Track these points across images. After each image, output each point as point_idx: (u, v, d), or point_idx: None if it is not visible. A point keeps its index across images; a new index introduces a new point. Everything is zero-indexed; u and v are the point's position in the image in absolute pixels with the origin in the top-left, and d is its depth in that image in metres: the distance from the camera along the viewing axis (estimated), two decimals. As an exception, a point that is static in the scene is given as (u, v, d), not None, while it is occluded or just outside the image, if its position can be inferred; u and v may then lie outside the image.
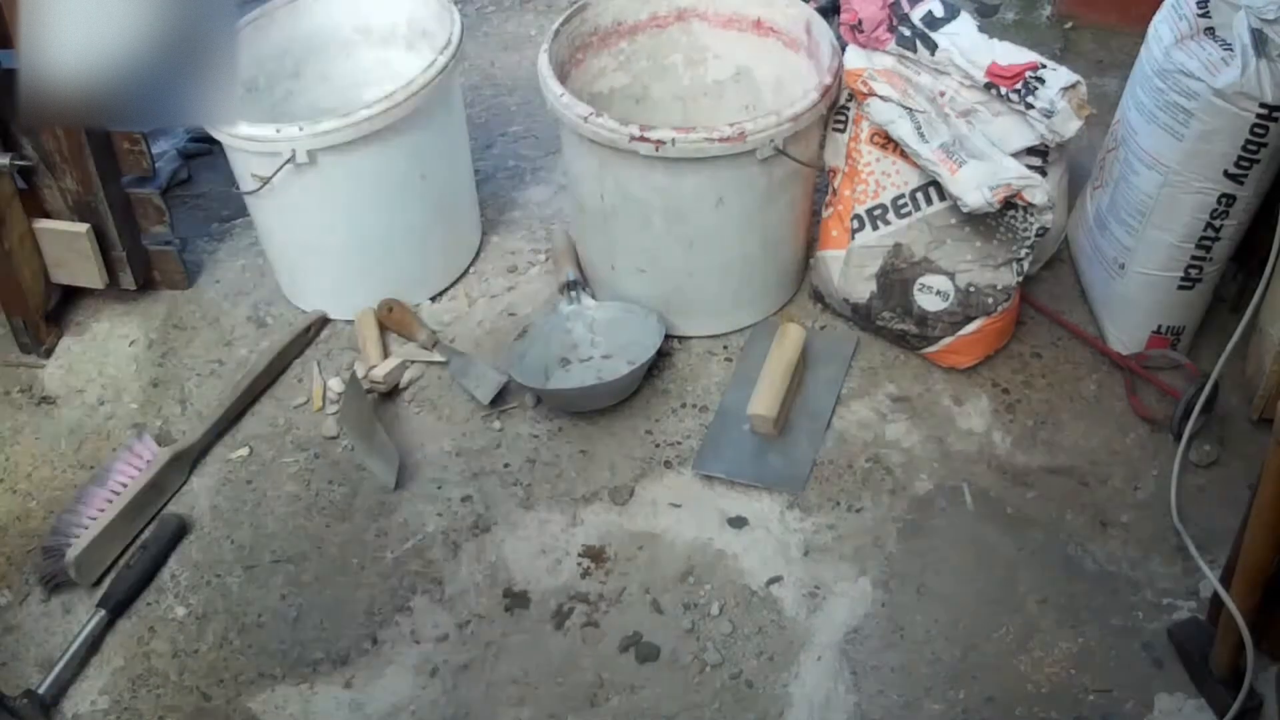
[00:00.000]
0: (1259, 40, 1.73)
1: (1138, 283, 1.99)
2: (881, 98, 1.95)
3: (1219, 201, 1.85)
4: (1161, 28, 1.86)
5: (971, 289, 1.94)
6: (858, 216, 2.02)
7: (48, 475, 2.07)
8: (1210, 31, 1.80)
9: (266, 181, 2.01)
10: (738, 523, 1.89)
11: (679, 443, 2.01)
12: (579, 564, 1.86)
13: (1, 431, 2.15)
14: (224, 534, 1.95)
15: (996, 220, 1.92)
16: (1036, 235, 1.90)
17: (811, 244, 2.28)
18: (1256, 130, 1.75)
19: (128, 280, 2.28)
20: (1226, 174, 1.81)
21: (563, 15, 2.13)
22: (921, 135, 1.92)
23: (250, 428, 2.10)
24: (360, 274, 2.20)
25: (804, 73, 2.14)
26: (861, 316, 2.09)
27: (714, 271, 2.08)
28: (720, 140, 1.86)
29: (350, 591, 1.86)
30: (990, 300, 1.93)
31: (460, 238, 2.33)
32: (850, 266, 2.01)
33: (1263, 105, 1.72)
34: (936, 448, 1.98)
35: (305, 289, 2.27)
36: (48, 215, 2.22)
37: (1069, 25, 2.88)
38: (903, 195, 2.00)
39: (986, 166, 1.87)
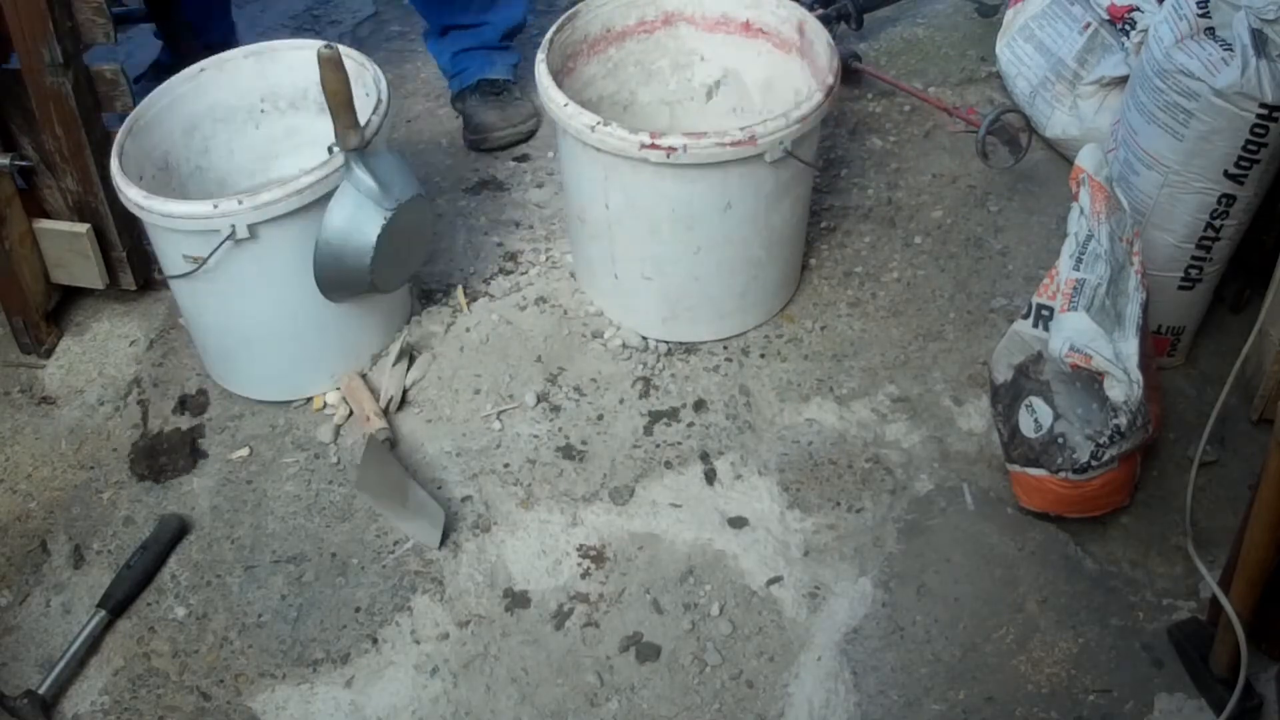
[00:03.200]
0: (1259, 40, 1.73)
1: (1138, 283, 1.98)
2: (1080, 207, 1.81)
3: (1219, 202, 1.85)
4: (1161, 28, 1.86)
5: (1060, 439, 1.81)
6: (1030, 304, 1.88)
7: (48, 475, 2.07)
8: (1210, 31, 1.80)
9: (203, 263, 1.88)
10: (738, 523, 1.89)
11: (679, 443, 2.01)
12: (579, 564, 1.86)
13: (1, 431, 2.15)
14: (224, 534, 1.95)
15: (1104, 394, 1.74)
16: (1110, 435, 1.73)
17: (810, 244, 2.28)
18: (1256, 130, 1.75)
19: (128, 280, 2.28)
20: (1227, 174, 1.81)
21: (555, 24, 2.12)
22: (1075, 260, 1.78)
23: (250, 428, 2.10)
24: (310, 350, 2.08)
25: (795, 73, 2.14)
26: (989, 396, 2.01)
27: (721, 275, 2.07)
28: (731, 144, 1.85)
29: (350, 591, 1.86)
30: (1060, 460, 1.80)
31: (399, 300, 2.20)
32: (1003, 346, 1.94)
33: (1263, 105, 1.72)
34: (936, 448, 1.98)
35: (249, 374, 2.11)
36: (48, 215, 2.22)
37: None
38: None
39: (1095, 330, 1.71)
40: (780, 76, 2.19)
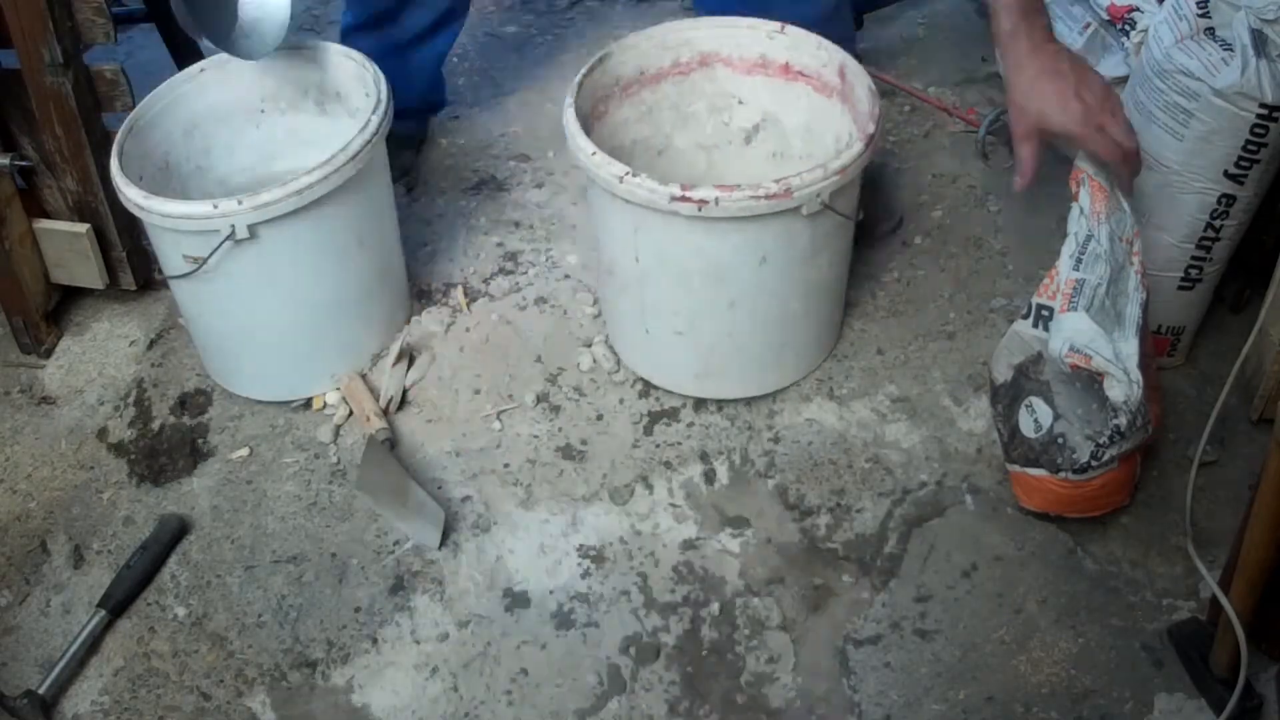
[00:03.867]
0: (1259, 40, 1.73)
1: (1138, 283, 1.98)
2: (1080, 208, 1.80)
3: (1219, 202, 1.85)
4: (1161, 28, 1.86)
5: (1060, 439, 1.80)
6: (1030, 304, 1.87)
7: (48, 475, 2.07)
8: (1210, 31, 1.80)
9: (203, 263, 1.88)
10: (738, 523, 1.89)
11: (679, 443, 2.01)
12: (579, 564, 1.86)
13: (1, 431, 2.15)
14: (224, 534, 1.95)
15: (1104, 394, 1.74)
16: (1110, 435, 1.71)
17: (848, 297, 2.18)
18: (1256, 130, 1.75)
19: (128, 280, 2.28)
20: (1227, 174, 1.81)
21: (585, 67, 2.02)
22: (1075, 260, 1.76)
23: (250, 428, 2.10)
24: (310, 350, 2.08)
25: (836, 118, 2.05)
26: (989, 396, 2.00)
27: (756, 331, 1.98)
28: (766, 197, 1.74)
29: (350, 591, 1.86)
30: (1060, 460, 1.79)
31: (398, 300, 2.22)
32: (1003, 346, 1.92)
33: (1263, 105, 1.72)
34: (936, 448, 1.98)
35: (249, 374, 2.11)
36: (48, 215, 2.22)
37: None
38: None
39: (1095, 330, 1.71)
40: (821, 121, 2.10)
